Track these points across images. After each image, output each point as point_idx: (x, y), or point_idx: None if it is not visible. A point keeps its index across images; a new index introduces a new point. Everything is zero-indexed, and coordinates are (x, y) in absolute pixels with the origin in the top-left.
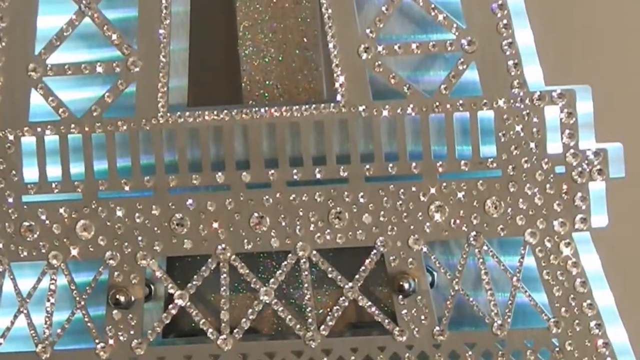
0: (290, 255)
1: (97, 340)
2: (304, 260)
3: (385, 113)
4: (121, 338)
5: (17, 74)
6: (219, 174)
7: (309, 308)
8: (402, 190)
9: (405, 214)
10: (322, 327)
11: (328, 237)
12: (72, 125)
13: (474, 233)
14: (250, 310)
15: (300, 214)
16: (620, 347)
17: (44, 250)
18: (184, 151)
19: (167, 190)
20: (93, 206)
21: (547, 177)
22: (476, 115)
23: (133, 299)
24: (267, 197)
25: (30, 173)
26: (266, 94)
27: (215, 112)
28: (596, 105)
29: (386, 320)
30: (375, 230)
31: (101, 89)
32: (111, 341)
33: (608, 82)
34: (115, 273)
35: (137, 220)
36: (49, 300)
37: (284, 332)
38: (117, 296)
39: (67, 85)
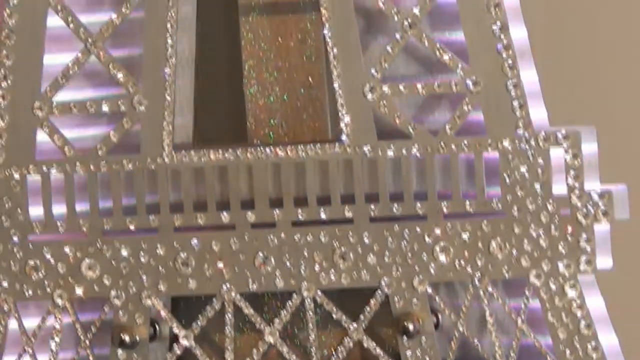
0: (294, 295)
1: None
2: (309, 300)
3: (390, 153)
4: None
5: (23, 112)
6: (224, 213)
7: (314, 349)
8: (406, 231)
9: (409, 255)
10: None
11: (333, 278)
12: (78, 164)
13: (478, 274)
14: (255, 351)
15: (305, 254)
16: None
17: (48, 289)
18: (189, 190)
19: (171, 229)
20: (98, 245)
21: (552, 218)
22: (481, 155)
23: (138, 338)
24: (271, 237)
25: (35, 211)
26: (271, 133)
27: (220, 152)
28: (601, 146)
29: None
30: (380, 270)
31: (106, 126)
32: None
33: (613, 123)
34: (120, 312)
35: (142, 260)
36: (53, 340)
37: None
38: (122, 336)
39: (73, 123)
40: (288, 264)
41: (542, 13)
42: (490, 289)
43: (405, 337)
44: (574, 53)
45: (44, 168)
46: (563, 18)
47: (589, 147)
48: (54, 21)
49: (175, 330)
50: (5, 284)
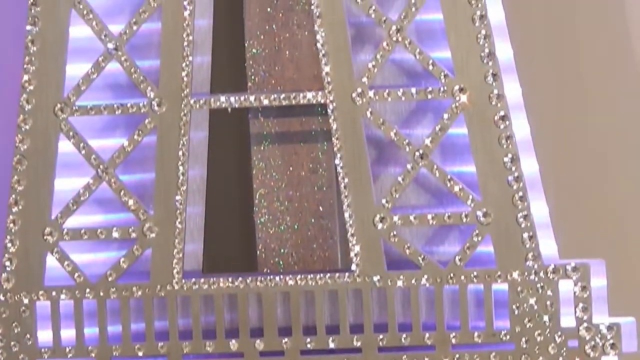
0: None
1: None
2: None
3: (399, 283)
4: None
5: (33, 238)
6: (233, 341)
7: None
8: None
9: None
10: None
11: None
12: (87, 290)
13: None
14: None
15: None
16: None
17: None
18: (198, 318)
19: (180, 356)
20: None
21: (560, 350)
22: (490, 287)
23: None
24: None
25: (44, 335)
26: (281, 262)
27: (230, 280)
28: (610, 279)
29: None
30: None
31: (117, 252)
32: None
33: (622, 256)
34: None
35: None
36: None
37: None
38: None
39: (83, 249)
40: None
41: (550, 148)
42: None
43: None
44: (586, 187)
45: (54, 294)
46: (572, 152)
47: (598, 280)
48: (65, 146)
49: None
50: None
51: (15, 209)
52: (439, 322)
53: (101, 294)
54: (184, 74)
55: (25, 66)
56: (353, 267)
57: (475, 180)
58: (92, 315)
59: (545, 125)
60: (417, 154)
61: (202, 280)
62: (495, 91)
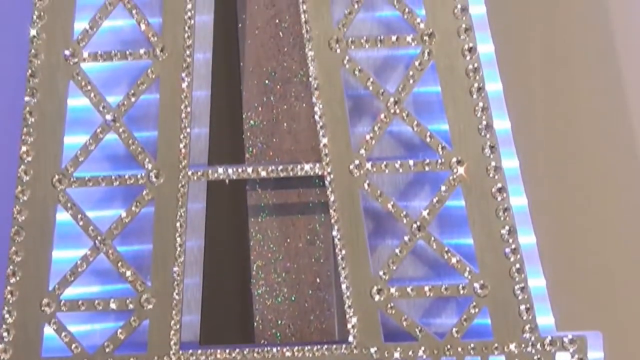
0: None
1: None
2: None
3: (396, 355)
4: None
5: (30, 308)
6: None
7: None
8: None
9: None
10: None
11: None
12: None
13: None
14: None
15: None
16: None
17: None
18: None
19: None
20: None
21: None
22: (487, 359)
23: None
24: None
25: None
26: (278, 334)
27: (227, 351)
28: (607, 351)
29: None
30: None
31: (114, 323)
32: None
33: (619, 328)
34: None
35: None
36: None
37: None
38: None
39: (80, 319)
40: None
41: (548, 220)
42: None
43: None
44: (583, 257)
45: None
46: (568, 223)
47: (595, 353)
48: (63, 217)
49: None
50: None
51: (12, 280)
52: None
53: None
54: (181, 145)
55: (23, 137)
56: (350, 338)
57: (472, 252)
58: None
59: (542, 197)
60: (414, 225)
61: (200, 351)
62: (493, 163)
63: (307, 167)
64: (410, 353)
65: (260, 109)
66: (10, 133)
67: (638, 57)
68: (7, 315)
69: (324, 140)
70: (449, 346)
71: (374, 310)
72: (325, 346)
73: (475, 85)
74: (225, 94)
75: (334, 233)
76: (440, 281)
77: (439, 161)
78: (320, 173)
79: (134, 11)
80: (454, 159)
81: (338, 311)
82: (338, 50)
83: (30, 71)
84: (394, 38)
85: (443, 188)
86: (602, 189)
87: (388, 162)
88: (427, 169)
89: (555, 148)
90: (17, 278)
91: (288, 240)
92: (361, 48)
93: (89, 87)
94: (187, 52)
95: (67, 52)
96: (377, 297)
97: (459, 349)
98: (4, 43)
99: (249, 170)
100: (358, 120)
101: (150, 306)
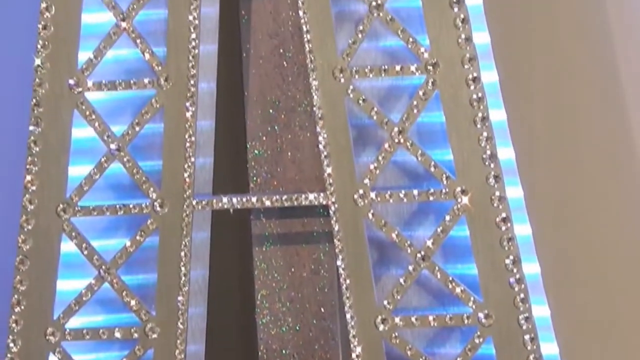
0: None
1: None
2: None
3: None
4: None
5: (35, 338)
6: None
7: None
8: None
9: None
10: None
11: None
12: None
13: None
14: None
15: None
16: None
17: None
18: None
19: None
20: None
21: None
22: None
23: None
24: None
25: None
26: None
27: None
28: None
29: None
30: None
31: (119, 352)
32: None
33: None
34: None
35: None
36: None
37: None
38: None
39: (85, 349)
40: None
41: (551, 250)
42: None
43: None
44: (586, 288)
45: None
46: (573, 254)
47: None
48: (67, 247)
49: None
50: None
51: (17, 309)
52: None
53: None
54: (186, 175)
55: (27, 167)
56: None
57: (476, 281)
58: None
59: (547, 228)
60: (418, 255)
61: None
62: (497, 193)
63: (311, 196)
64: None
65: (264, 138)
66: (14, 163)
67: (638, 59)
68: (12, 345)
69: (328, 170)
70: None
71: (378, 340)
72: None
73: (480, 114)
74: (230, 124)
75: (339, 262)
76: (445, 311)
77: (443, 191)
78: (324, 202)
79: (138, 40)
80: (458, 189)
81: (342, 341)
82: (342, 80)
83: (34, 100)
84: (398, 67)
85: (447, 218)
86: (609, 219)
87: (392, 191)
88: (431, 198)
89: (559, 177)
90: (22, 307)
91: (292, 269)
92: (365, 77)
93: (94, 117)
94: (192, 82)
95: (71, 82)
96: (381, 327)
97: None
98: (9, 71)
99: (254, 199)
100: (362, 149)
101: (154, 335)
